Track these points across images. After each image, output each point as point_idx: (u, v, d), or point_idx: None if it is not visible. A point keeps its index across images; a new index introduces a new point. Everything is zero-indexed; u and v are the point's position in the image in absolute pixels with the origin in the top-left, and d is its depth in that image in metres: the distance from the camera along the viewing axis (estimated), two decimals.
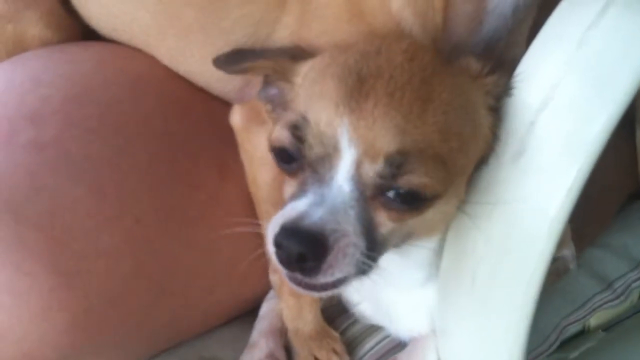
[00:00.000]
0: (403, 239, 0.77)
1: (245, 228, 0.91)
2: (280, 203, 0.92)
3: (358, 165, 0.69)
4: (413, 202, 0.72)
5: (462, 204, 0.79)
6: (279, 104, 0.84)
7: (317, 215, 0.68)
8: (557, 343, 1.09)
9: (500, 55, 0.81)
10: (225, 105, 0.99)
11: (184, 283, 0.96)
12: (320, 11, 0.88)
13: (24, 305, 0.79)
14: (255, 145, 0.92)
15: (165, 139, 0.96)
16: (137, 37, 1.04)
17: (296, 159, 0.73)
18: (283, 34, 0.92)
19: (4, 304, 0.79)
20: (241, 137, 0.95)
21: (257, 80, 0.89)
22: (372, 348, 1.03)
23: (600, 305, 1.14)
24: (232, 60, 0.87)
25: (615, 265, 1.19)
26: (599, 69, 0.70)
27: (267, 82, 0.86)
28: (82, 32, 1.08)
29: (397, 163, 0.68)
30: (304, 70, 0.80)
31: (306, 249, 0.67)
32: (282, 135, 0.73)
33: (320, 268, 0.68)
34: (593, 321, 1.14)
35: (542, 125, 0.72)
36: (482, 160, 0.79)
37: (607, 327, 1.16)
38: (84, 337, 0.84)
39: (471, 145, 0.76)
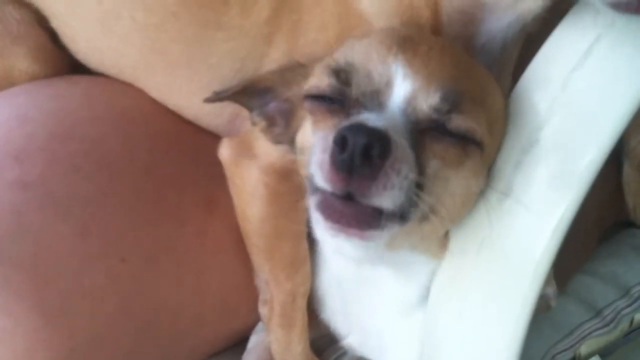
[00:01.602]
0: (424, 217, 0.71)
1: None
2: (269, 237, 0.93)
3: (411, 100, 0.69)
4: (462, 144, 0.70)
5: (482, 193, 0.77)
6: (280, 117, 0.84)
7: (379, 122, 0.64)
8: None
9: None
10: (214, 138, 0.98)
11: (171, 320, 0.95)
12: (309, 48, 0.88)
13: (8, 346, 0.79)
14: (245, 179, 0.92)
15: (152, 174, 0.96)
16: (125, 72, 1.04)
17: (336, 100, 0.72)
18: (270, 68, 0.92)
19: None
20: (230, 171, 0.95)
21: (246, 113, 0.89)
22: None
23: (590, 334, 1.14)
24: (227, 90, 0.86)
25: (604, 293, 1.19)
26: (583, 110, 0.70)
27: (265, 98, 0.85)
28: (70, 65, 1.08)
29: (452, 99, 0.69)
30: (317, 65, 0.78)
31: (373, 141, 0.61)
32: (322, 82, 0.72)
33: (378, 175, 0.62)
34: (584, 350, 1.14)
35: (527, 166, 0.73)
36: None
37: (602, 353, 1.16)
38: None
39: (497, 132, 0.76)
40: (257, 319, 1.07)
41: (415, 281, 0.89)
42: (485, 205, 0.77)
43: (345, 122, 0.64)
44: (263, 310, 1.04)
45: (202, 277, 0.98)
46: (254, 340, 1.07)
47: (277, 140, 0.86)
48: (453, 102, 0.68)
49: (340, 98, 0.71)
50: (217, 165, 0.96)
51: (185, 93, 1.00)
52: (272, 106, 0.85)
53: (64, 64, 1.06)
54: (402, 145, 0.64)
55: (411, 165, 0.65)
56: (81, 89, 1.02)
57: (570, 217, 0.71)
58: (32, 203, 0.85)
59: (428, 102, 0.68)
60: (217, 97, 0.86)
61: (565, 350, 1.12)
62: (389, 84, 0.69)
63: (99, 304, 0.86)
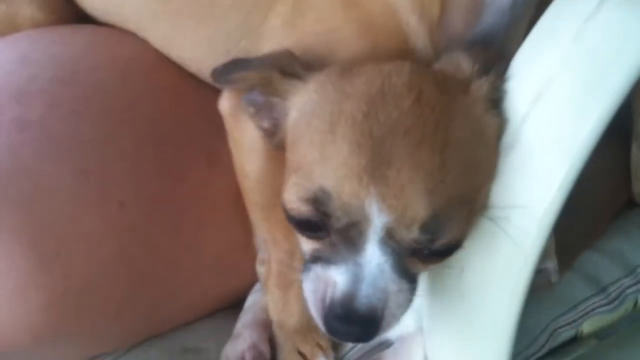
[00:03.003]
0: None
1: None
2: (267, 193, 0.92)
3: (390, 230, 0.69)
4: (448, 254, 0.73)
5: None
6: (264, 112, 0.83)
7: (362, 294, 0.69)
8: (548, 346, 1.07)
9: (495, 50, 0.79)
10: (216, 93, 0.97)
11: (167, 272, 0.94)
12: (315, 0, 0.87)
13: (1, 286, 0.78)
14: (244, 132, 0.90)
15: (153, 125, 0.95)
16: (129, 21, 1.02)
17: (320, 227, 0.72)
18: (275, 23, 0.90)
19: None
20: (230, 124, 0.93)
21: None
22: (356, 345, 1.02)
23: (593, 310, 1.12)
24: (227, 71, 0.85)
25: (610, 270, 1.17)
26: (594, 64, 0.68)
27: (250, 88, 0.84)
28: (75, 15, 1.06)
29: (432, 229, 0.68)
30: (300, 101, 0.78)
31: (362, 330, 0.70)
32: (302, 209, 0.71)
33: (377, 334, 0.71)
34: (586, 328, 1.12)
35: (535, 118, 0.71)
36: None
37: (601, 335, 1.14)
38: (61, 320, 0.83)
39: (487, 161, 0.75)
40: (254, 280, 1.06)
41: None
42: None
43: (333, 299, 0.69)
44: (261, 269, 1.03)
45: (200, 231, 0.97)
46: (251, 300, 1.06)
47: (264, 133, 0.86)
48: (434, 230, 0.68)
49: (323, 226, 0.71)
50: (219, 120, 0.94)
51: (189, 44, 0.98)
52: (258, 100, 0.84)
53: (69, 13, 1.05)
54: (388, 291, 0.69)
55: (401, 286, 0.71)
56: (85, 36, 1.01)
57: (577, 172, 0.69)
58: (31, 144, 0.84)
59: (408, 235, 0.69)
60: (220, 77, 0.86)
61: (567, 324, 1.10)
62: (366, 219, 0.68)
63: (95, 248, 0.85)
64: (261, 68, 0.81)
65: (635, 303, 1.18)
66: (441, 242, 0.70)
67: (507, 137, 0.74)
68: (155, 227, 0.92)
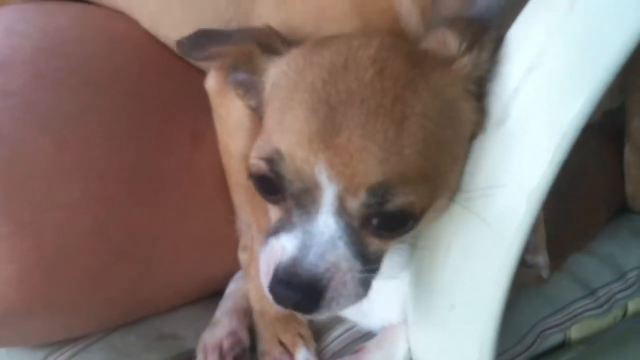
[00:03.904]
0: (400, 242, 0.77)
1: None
2: None
3: (341, 199, 0.68)
4: (402, 224, 0.72)
5: (454, 194, 0.76)
6: (251, 90, 0.82)
7: (308, 260, 0.69)
8: (535, 347, 1.05)
9: (482, 25, 0.78)
10: (203, 72, 0.95)
11: (145, 249, 0.92)
12: None
13: None
14: (230, 111, 0.89)
15: (137, 99, 0.94)
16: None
17: (278, 189, 0.72)
18: (266, 1, 0.89)
19: None
20: (215, 102, 0.92)
21: None
22: (339, 336, 1.00)
23: (582, 313, 1.10)
24: (197, 44, 0.83)
25: (600, 273, 1.16)
26: (587, 35, 0.67)
27: (234, 68, 0.84)
28: None
29: (380, 192, 0.67)
30: (274, 73, 0.78)
31: (302, 297, 0.69)
32: (260, 165, 0.71)
33: (318, 307, 0.70)
34: (574, 333, 1.11)
35: (526, 91, 0.69)
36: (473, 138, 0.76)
37: (589, 342, 1.12)
38: (34, 292, 0.80)
39: (454, 142, 0.74)
40: (236, 268, 1.04)
41: (402, 245, 0.85)
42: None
43: (279, 264, 0.69)
44: (243, 256, 1.01)
45: (182, 210, 0.95)
46: (231, 287, 1.04)
47: (253, 112, 0.85)
48: (382, 194, 0.68)
49: (279, 187, 0.72)
50: (205, 99, 0.93)
51: (178, 23, 0.96)
52: (241, 77, 0.83)
53: None
54: (336, 264, 0.69)
55: (353, 263, 0.70)
56: (72, 11, 1.00)
57: (568, 146, 0.66)
58: (11, 111, 0.82)
59: (356, 201, 0.68)
60: (189, 50, 0.84)
61: (555, 326, 1.08)
62: (317, 186, 0.68)
63: (71, 219, 0.83)
64: (241, 42, 0.80)
65: (625, 311, 1.17)
66: (391, 203, 0.68)
67: (497, 113, 0.72)
68: (135, 201, 0.90)
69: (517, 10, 0.85)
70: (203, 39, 0.83)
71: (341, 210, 0.69)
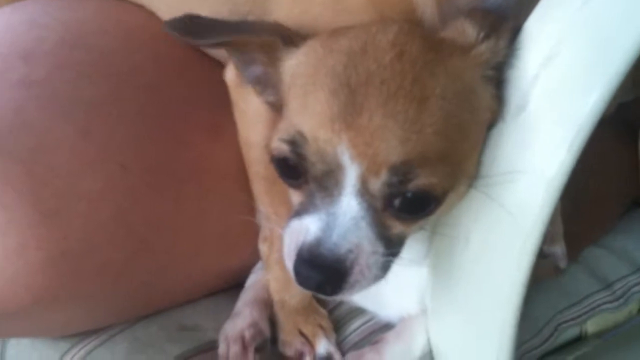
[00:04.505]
0: (421, 228, 0.78)
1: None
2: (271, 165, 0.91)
3: (363, 180, 0.69)
4: (423, 207, 0.72)
5: (473, 180, 0.77)
6: (269, 85, 0.83)
7: (331, 241, 0.69)
8: (552, 340, 1.06)
9: (499, 15, 0.79)
10: (222, 65, 0.97)
11: (167, 241, 0.93)
12: None
13: (0, 239, 0.77)
14: (249, 102, 0.90)
15: (157, 92, 0.95)
16: None
17: (300, 173, 0.73)
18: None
19: None
20: (235, 94, 0.93)
21: None
22: (359, 327, 1.00)
23: (598, 306, 1.10)
24: (204, 31, 0.83)
25: (616, 267, 1.16)
26: (603, 27, 0.68)
27: (247, 61, 0.84)
28: None
29: (402, 171, 0.68)
30: (291, 65, 0.79)
31: (325, 277, 0.69)
32: (282, 147, 0.72)
33: (342, 288, 0.70)
34: (590, 327, 1.11)
35: (545, 79, 0.70)
36: (491, 126, 0.77)
37: (605, 336, 1.12)
38: (59, 281, 0.81)
39: (472, 127, 0.75)
40: (256, 259, 1.05)
41: (419, 234, 0.86)
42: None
43: (303, 245, 0.70)
44: (263, 247, 1.02)
45: (202, 202, 0.96)
46: (252, 279, 1.05)
47: (271, 108, 0.85)
48: (404, 173, 0.68)
49: (301, 170, 0.73)
50: (224, 92, 0.95)
51: None
52: (257, 72, 0.84)
53: None
54: (359, 245, 0.70)
55: (376, 246, 0.71)
56: (93, 4, 1.01)
57: (587, 134, 0.67)
58: (35, 101, 0.84)
59: (379, 181, 0.69)
60: (196, 41, 0.86)
61: (572, 319, 1.08)
62: (339, 166, 0.69)
63: (95, 209, 0.84)
64: (264, 34, 0.81)
65: None
66: (413, 184, 0.69)
67: (516, 100, 0.73)
68: (157, 193, 0.91)
69: (533, 3, 0.87)
70: (197, 24, 0.83)
71: (363, 191, 0.69)
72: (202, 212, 0.96)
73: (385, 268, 0.73)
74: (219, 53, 1.00)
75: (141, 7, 1.04)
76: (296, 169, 0.73)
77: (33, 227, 0.78)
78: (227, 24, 0.84)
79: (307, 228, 0.71)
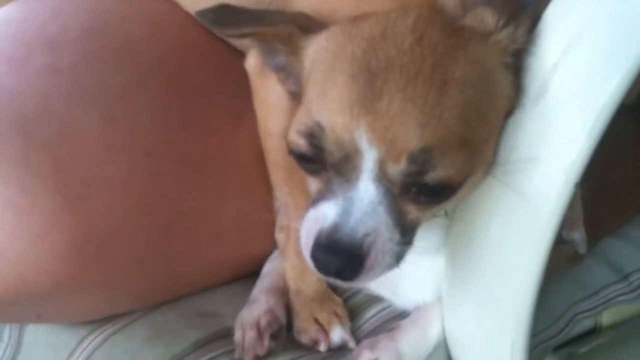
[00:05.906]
0: (434, 216, 0.78)
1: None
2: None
3: (382, 165, 0.69)
4: (441, 193, 0.72)
5: (490, 167, 0.77)
6: (291, 74, 0.83)
7: (349, 226, 0.69)
8: (567, 331, 1.06)
9: (519, 3, 0.79)
10: (243, 54, 0.97)
11: (188, 228, 0.94)
12: None
13: (24, 224, 0.78)
14: (270, 91, 0.90)
15: (179, 81, 0.95)
16: None
17: (317, 162, 0.73)
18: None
19: (4, 221, 0.77)
20: (255, 82, 0.93)
21: None
22: (374, 315, 1.01)
23: (614, 297, 1.10)
24: (230, 21, 0.83)
25: (633, 258, 1.15)
26: (623, 14, 0.68)
27: (270, 51, 0.84)
28: None
29: (421, 160, 0.68)
30: (312, 52, 0.79)
31: (343, 263, 0.69)
32: (299, 142, 0.73)
33: (359, 273, 0.70)
34: (605, 319, 1.11)
35: (565, 67, 0.70)
36: (509, 114, 0.77)
37: (620, 329, 1.12)
38: (82, 266, 0.82)
39: (492, 113, 0.75)
40: (273, 248, 1.06)
41: (436, 224, 0.87)
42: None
43: (321, 231, 0.70)
44: (280, 236, 1.03)
45: (223, 191, 0.97)
46: (268, 267, 1.06)
47: (292, 96, 0.85)
48: (423, 161, 0.68)
49: (319, 160, 0.73)
50: (245, 82, 0.95)
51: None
52: (280, 61, 0.84)
53: None
54: (377, 230, 0.70)
55: (392, 232, 0.71)
56: None
57: (606, 121, 0.67)
58: (61, 88, 0.85)
59: (397, 167, 0.69)
60: (217, 24, 0.84)
61: (587, 311, 1.08)
62: (357, 151, 0.69)
63: (119, 196, 0.85)
64: (280, 25, 0.81)
65: None
66: (431, 175, 0.69)
67: (536, 87, 0.73)
68: (180, 180, 0.92)
69: None
70: (234, 17, 0.83)
71: (381, 176, 0.69)
72: (223, 200, 0.97)
73: (399, 257, 0.73)
74: (241, 42, 1.00)
75: None
76: (314, 159, 0.73)
77: (57, 212, 0.79)
78: (250, 16, 0.84)
79: (324, 214, 0.71)
